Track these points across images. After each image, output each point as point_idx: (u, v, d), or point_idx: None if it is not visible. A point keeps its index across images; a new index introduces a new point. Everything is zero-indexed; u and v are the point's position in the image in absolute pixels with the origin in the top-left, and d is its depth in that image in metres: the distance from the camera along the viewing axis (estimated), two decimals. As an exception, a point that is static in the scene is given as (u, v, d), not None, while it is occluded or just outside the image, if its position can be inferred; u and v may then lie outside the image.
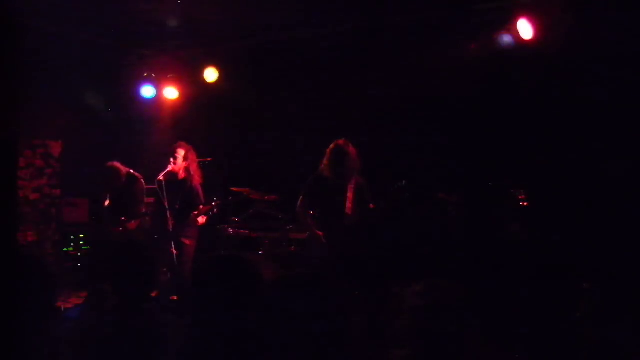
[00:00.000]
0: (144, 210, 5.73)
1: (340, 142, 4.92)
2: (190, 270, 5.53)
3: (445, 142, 5.93)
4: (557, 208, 4.52)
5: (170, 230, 5.31)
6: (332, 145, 4.94)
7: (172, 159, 5.44)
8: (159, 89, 6.76)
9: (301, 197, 5.06)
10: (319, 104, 6.52)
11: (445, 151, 5.96)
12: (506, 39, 4.78)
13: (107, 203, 5.69)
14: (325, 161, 4.94)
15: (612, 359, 3.19)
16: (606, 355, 3.25)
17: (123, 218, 5.51)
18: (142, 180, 5.76)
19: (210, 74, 6.33)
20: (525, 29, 4.63)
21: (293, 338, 1.28)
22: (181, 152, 5.48)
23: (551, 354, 4.22)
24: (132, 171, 5.75)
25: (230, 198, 6.11)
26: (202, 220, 5.48)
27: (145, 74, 6.70)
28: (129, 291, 2.26)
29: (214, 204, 5.67)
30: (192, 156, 5.60)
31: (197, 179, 5.59)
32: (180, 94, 6.85)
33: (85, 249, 7.19)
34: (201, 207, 5.47)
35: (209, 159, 6.83)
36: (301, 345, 1.28)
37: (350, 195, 4.89)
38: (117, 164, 5.66)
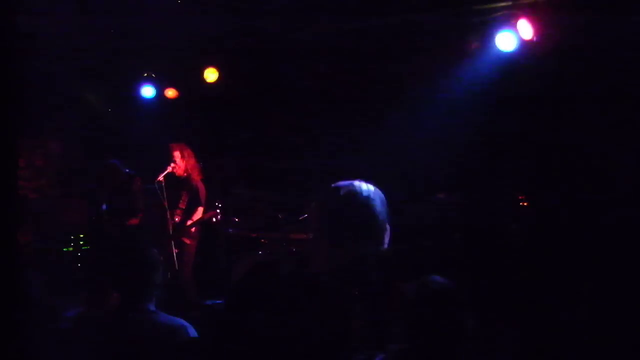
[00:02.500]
0: (142, 208, 5.72)
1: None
2: (191, 270, 5.54)
3: (445, 142, 5.93)
4: (557, 208, 4.52)
5: (171, 230, 5.32)
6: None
7: (172, 163, 5.45)
8: (159, 89, 6.76)
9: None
10: (319, 103, 6.52)
11: (445, 151, 5.96)
12: (507, 39, 4.78)
13: (105, 203, 5.68)
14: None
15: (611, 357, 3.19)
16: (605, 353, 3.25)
17: (123, 217, 5.50)
18: (138, 178, 5.75)
19: (210, 74, 6.32)
20: (525, 29, 4.62)
21: (292, 338, 1.28)
22: (177, 154, 5.49)
23: (549, 353, 4.23)
24: (128, 170, 5.74)
25: (230, 198, 6.11)
26: (194, 229, 5.51)
27: (145, 74, 6.70)
28: (129, 292, 2.26)
29: (218, 210, 5.67)
30: (188, 153, 5.61)
31: (197, 176, 5.61)
32: (180, 94, 6.85)
33: (85, 249, 7.18)
34: (200, 209, 5.48)
35: (209, 159, 6.83)
36: (300, 345, 1.28)
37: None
38: (116, 163, 5.66)
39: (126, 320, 2.21)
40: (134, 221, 5.55)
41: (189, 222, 5.44)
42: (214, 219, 5.66)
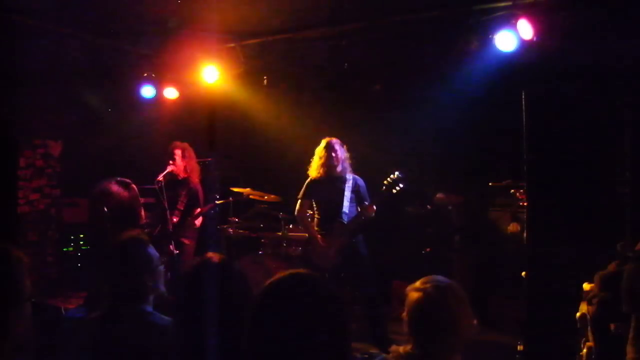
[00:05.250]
0: (143, 213, 5.70)
1: (325, 139, 5.02)
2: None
3: (445, 141, 5.94)
4: (558, 208, 4.52)
5: (170, 230, 5.32)
6: (320, 145, 5.04)
7: (170, 161, 5.47)
8: (159, 89, 6.76)
9: (299, 200, 5.12)
10: (319, 103, 6.52)
11: (444, 150, 5.96)
12: (506, 39, 4.78)
13: (106, 210, 5.63)
14: (315, 160, 5.02)
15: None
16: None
17: (124, 228, 5.43)
18: (133, 185, 5.71)
19: (210, 74, 6.32)
20: (525, 29, 4.62)
21: (292, 338, 1.28)
22: (178, 152, 5.50)
23: (549, 353, 4.23)
24: (120, 178, 5.69)
25: (231, 198, 6.11)
26: (198, 222, 5.51)
27: (145, 74, 6.69)
28: (124, 291, 2.24)
29: (216, 202, 5.67)
30: (189, 154, 5.61)
31: (195, 178, 5.61)
32: (180, 94, 6.85)
33: (85, 249, 7.19)
34: (198, 210, 5.50)
35: (209, 159, 6.83)
36: (301, 345, 1.28)
37: (348, 194, 4.92)
38: (108, 186, 5.56)
39: (122, 321, 2.19)
40: (136, 231, 5.51)
41: (189, 218, 5.43)
42: (212, 211, 5.65)
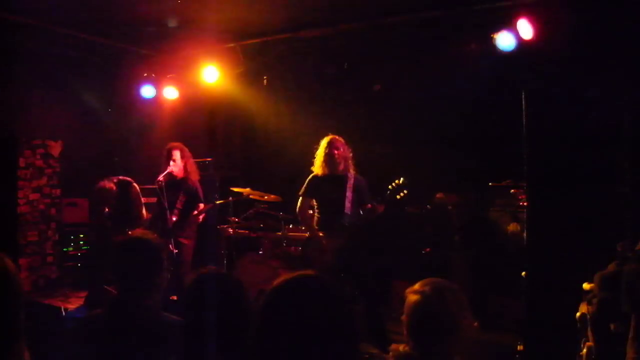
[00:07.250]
0: (144, 211, 5.72)
1: (329, 136, 5.00)
2: (189, 270, 5.56)
3: (444, 141, 5.93)
4: (558, 208, 4.52)
5: (170, 229, 5.33)
6: (323, 141, 5.02)
7: (170, 162, 5.48)
8: (159, 89, 6.76)
9: (300, 197, 5.11)
10: (319, 103, 6.52)
11: (445, 151, 5.95)
12: (506, 38, 4.79)
13: (107, 210, 5.65)
14: (317, 157, 5.01)
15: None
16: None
17: (126, 227, 5.46)
18: (135, 184, 5.73)
19: (210, 74, 6.33)
20: (525, 29, 4.63)
21: (301, 340, 1.28)
22: (177, 154, 5.52)
23: (549, 353, 4.23)
24: (121, 177, 5.70)
25: (231, 198, 6.12)
26: (200, 218, 5.54)
27: (145, 74, 6.70)
28: (130, 286, 2.25)
29: (216, 202, 5.68)
30: (187, 154, 5.63)
31: (195, 177, 5.63)
32: (180, 94, 6.86)
33: (85, 249, 7.19)
34: (201, 205, 5.52)
35: (209, 159, 6.84)
36: (310, 347, 1.28)
37: (349, 194, 4.91)
38: (106, 184, 5.60)
39: (129, 316, 2.21)
40: (139, 227, 5.53)
41: (195, 213, 5.46)
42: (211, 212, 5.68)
